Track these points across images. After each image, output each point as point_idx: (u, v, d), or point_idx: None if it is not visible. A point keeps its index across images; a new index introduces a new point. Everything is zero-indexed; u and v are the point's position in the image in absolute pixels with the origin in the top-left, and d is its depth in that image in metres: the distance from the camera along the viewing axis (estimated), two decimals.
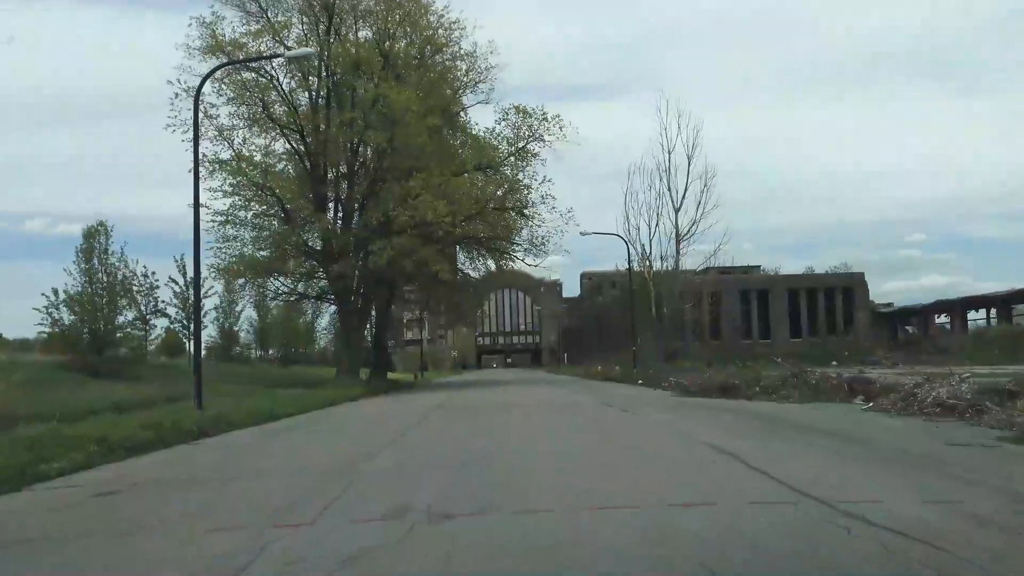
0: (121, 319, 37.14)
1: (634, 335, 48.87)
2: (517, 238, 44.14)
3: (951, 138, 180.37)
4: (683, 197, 54.76)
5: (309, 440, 15.54)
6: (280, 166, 41.51)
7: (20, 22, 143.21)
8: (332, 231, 38.24)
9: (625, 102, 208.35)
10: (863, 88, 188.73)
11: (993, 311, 69.38)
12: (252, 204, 39.51)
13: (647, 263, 55.37)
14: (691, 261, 58.80)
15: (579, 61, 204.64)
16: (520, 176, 42.06)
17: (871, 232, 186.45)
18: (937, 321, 77.44)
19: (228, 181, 37.22)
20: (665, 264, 55.25)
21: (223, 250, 39.49)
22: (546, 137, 40.77)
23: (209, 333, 58.45)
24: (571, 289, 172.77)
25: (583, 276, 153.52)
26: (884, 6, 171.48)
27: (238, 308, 58.49)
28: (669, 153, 55.30)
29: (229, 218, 38.57)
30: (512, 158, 41.41)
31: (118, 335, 36.15)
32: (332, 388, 35.82)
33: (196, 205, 19.53)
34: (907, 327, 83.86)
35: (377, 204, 37.55)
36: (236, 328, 60.68)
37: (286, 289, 44.58)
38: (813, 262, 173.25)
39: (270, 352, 71.34)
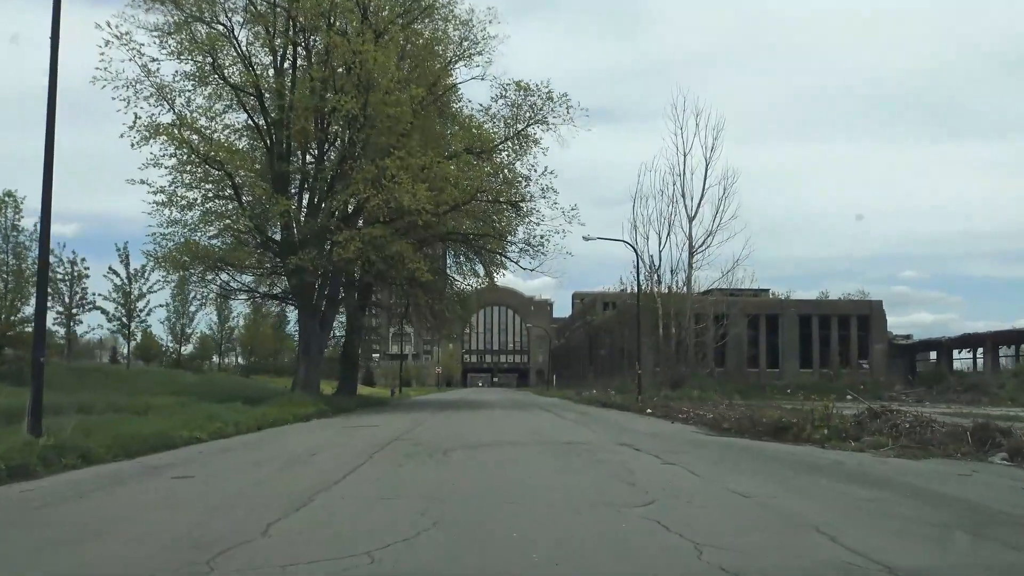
0: (30, 309, 30.80)
1: (639, 357, 42.71)
2: (511, 237, 38.00)
3: (942, 177, 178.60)
4: (699, 205, 49.10)
5: (157, 497, 9.36)
6: (241, 144, 35.39)
7: None
8: (294, 216, 32.02)
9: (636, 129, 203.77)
10: (859, 125, 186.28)
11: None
12: (201, 183, 33.38)
13: (655, 277, 49.41)
14: (704, 277, 53.11)
15: (594, 86, 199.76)
16: (518, 165, 35.98)
17: (866, 267, 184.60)
18: (956, 356, 71.53)
19: (169, 151, 31.15)
20: (675, 279, 49.32)
21: (168, 237, 33.37)
22: (550, 120, 34.73)
23: (158, 335, 52.22)
24: (562, 309, 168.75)
25: (575, 296, 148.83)
26: (884, 48, 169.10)
27: (192, 309, 52.09)
28: (685, 155, 49.76)
29: (171, 198, 32.43)
30: (509, 143, 35.24)
31: (16, 329, 29.71)
32: (280, 405, 29.63)
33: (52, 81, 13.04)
34: (920, 362, 78.02)
35: (346, 186, 31.41)
36: (189, 331, 54.22)
37: (239, 286, 38.30)
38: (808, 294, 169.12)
39: (231, 359, 64.96)
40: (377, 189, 30.43)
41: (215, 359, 64.43)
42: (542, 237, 36.53)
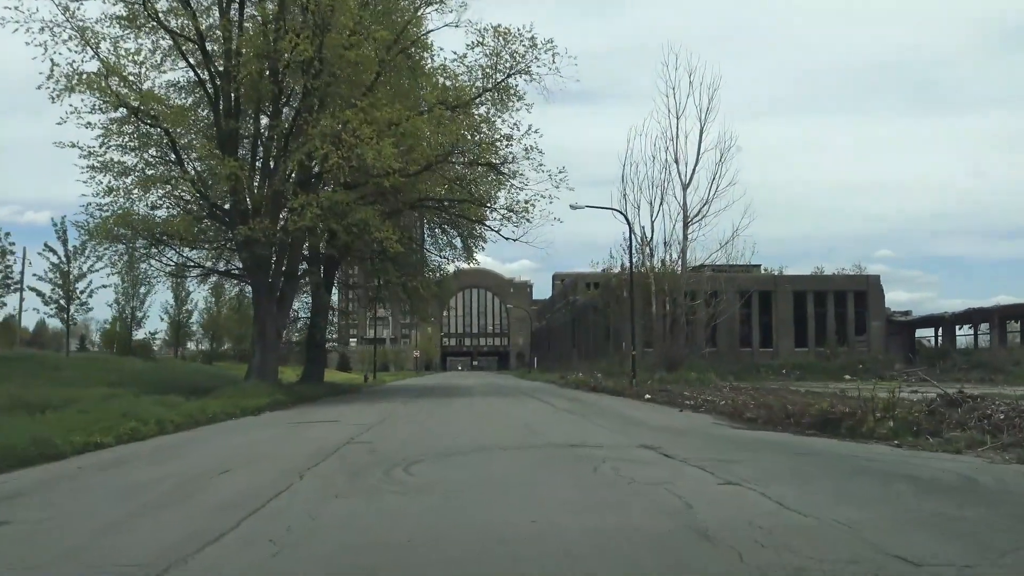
0: None
1: (633, 337, 38.86)
2: (492, 203, 33.89)
3: (923, 156, 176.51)
4: (693, 171, 45.14)
5: None
6: (187, 103, 31.18)
7: None
8: (245, 181, 27.83)
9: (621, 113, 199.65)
10: (835, 101, 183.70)
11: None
12: (141, 146, 29.21)
13: (647, 250, 45.52)
14: (700, 249, 49.31)
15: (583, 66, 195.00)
16: (498, 123, 31.89)
17: (844, 245, 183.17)
18: (959, 333, 68.18)
19: (94, 105, 26.96)
20: (669, 251, 45.45)
21: (104, 208, 29.22)
22: (534, 69, 30.63)
23: (103, 318, 47.79)
24: (542, 292, 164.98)
25: (555, 278, 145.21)
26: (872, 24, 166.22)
27: (143, 290, 47.68)
28: (677, 117, 45.66)
29: (106, 163, 28.29)
30: (488, 95, 31.12)
31: None
32: (229, 396, 25.69)
33: None
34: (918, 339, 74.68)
35: (302, 144, 27.29)
36: (140, 314, 49.75)
37: (185, 261, 33.99)
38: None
39: (193, 346, 60.57)
40: (337, 146, 26.32)
41: (178, 345, 59.91)
42: (526, 202, 32.56)
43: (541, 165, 31.91)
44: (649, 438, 13.76)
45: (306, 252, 37.29)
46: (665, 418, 19.58)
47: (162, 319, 56.24)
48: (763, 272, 74.16)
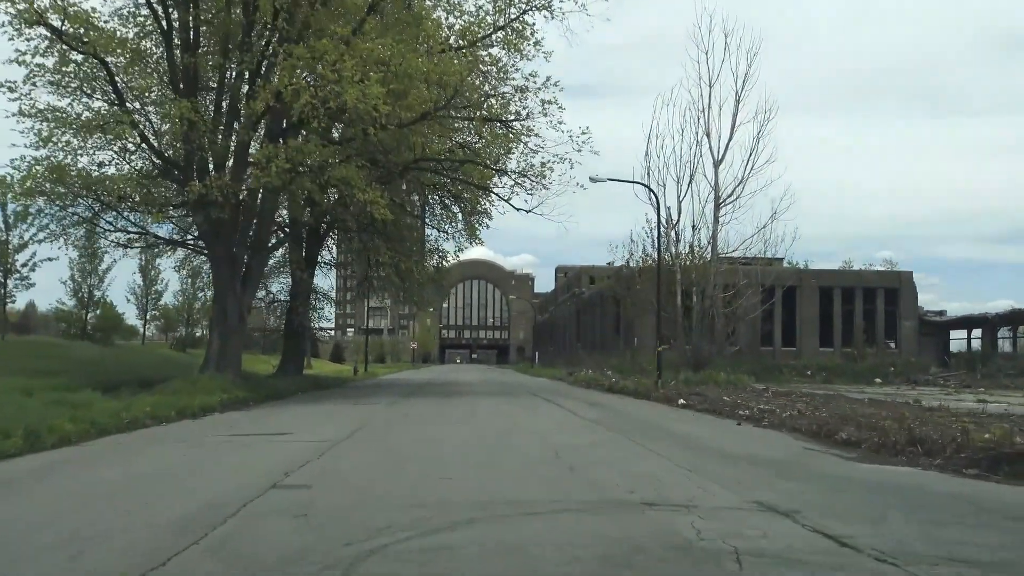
0: None
1: (659, 331, 33.62)
2: (501, 164, 28.54)
3: (925, 159, 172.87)
4: (727, 146, 39.81)
5: None
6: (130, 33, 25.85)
7: None
8: (200, 126, 22.49)
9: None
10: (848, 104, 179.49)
11: None
12: (80, 85, 23.95)
13: (673, 234, 40.26)
14: (734, 233, 44.18)
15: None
16: (512, 70, 26.57)
17: (841, 248, 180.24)
18: (1002, 335, 62.98)
19: (11, 32, 21.77)
20: (697, 236, 40.21)
21: (39, 162, 23.94)
22: (555, 4, 25.36)
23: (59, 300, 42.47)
24: (544, 285, 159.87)
25: (558, 271, 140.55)
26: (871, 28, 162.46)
27: (103, 267, 42.21)
28: (710, 86, 40.30)
29: (38, 109, 23.14)
30: (501, 34, 25.76)
31: None
32: (174, 391, 20.65)
33: None
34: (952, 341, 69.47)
35: (270, 79, 22.05)
36: (100, 294, 44.26)
37: (128, 225, 28.54)
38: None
39: (157, 329, 55.07)
40: (312, 83, 21.09)
41: (145, 330, 54.51)
42: (543, 165, 27.28)
43: (561, 123, 26.66)
44: (750, 481, 8.77)
45: (284, 221, 32.16)
46: (731, 438, 14.44)
47: (128, 300, 50.86)
48: (787, 266, 68.84)
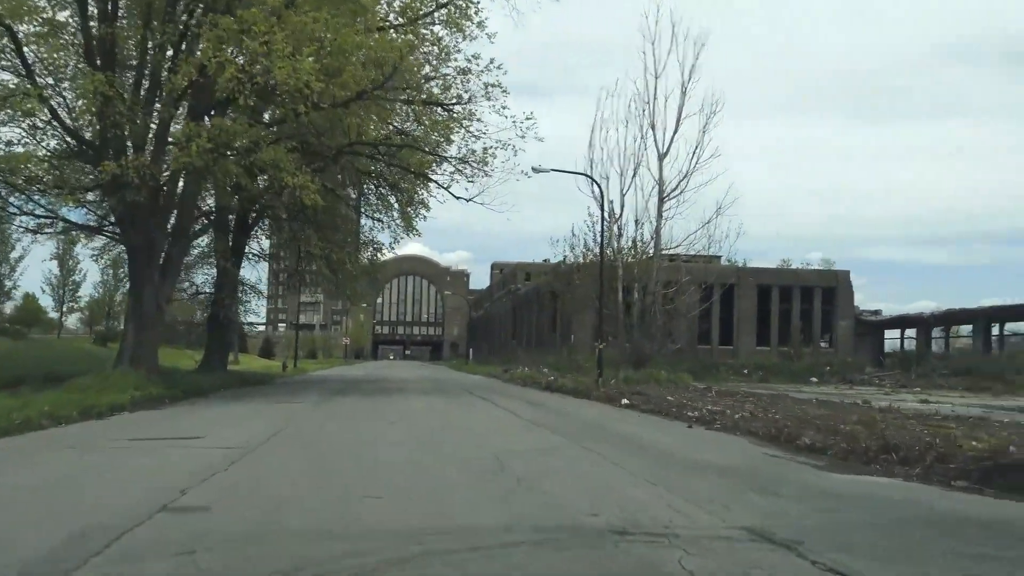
0: None
1: (601, 328, 32.60)
2: (442, 151, 27.13)
3: (858, 162, 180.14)
4: (672, 139, 38.95)
5: None
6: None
7: None
8: (117, 100, 20.69)
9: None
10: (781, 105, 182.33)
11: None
12: None
13: (615, 228, 39.28)
14: (678, 229, 43.47)
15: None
16: (455, 51, 25.19)
17: (776, 247, 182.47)
18: (935, 335, 63.21)
19: None
20: (640, 231, 39.29)
21: None
22: None
23: None
24: (479, 282, 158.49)
25: (494, 267, 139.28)
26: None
27: (14, 254, 39.82)
28: (656, 77, 39.42)
29: None
30: (444, 12, 24.28)
31: None
32: (82, 387, 19.09)
33: None
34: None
35: (192, 53, 20.42)
36: (12, 284, 41.83)
37: (31, 210, 26.45)
38: None
39: (80, 323, 52.56)
40: (246, 58, 19.53)
41: (61, 322, 51.92)
42: (485, 151, 26.01)
43: (505, 108, 25.42)
44: (725, 497, 7.70)
45: (210, 209, 30.41)
46: (686, 442, 13.41)
47: (43, 291, 48.21)
48: (726, 264, 68.44)
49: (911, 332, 66.09)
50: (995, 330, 57.16)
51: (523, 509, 7.07)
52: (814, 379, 52.37)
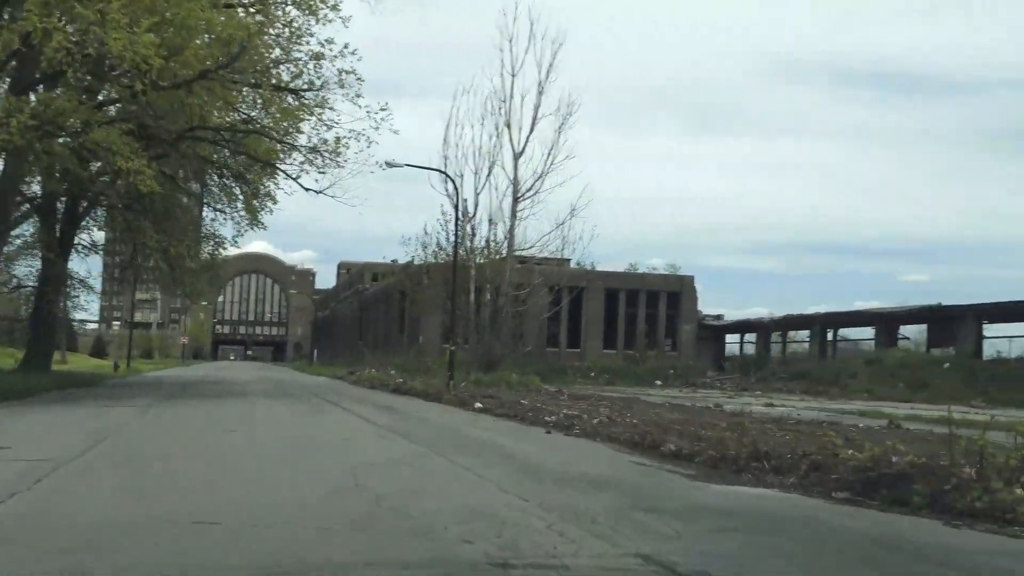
0: None
1: (454, 328, 31.77)
2: (291, 139, 25.73)
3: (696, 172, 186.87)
4: (527, 139, 38.54)
5: None
6: None
7: None
8: None
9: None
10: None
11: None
12: None
13: (469, 228, 38.55)
14: (532, 229, 43.03)
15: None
16: (307, 34, 23.86)
17: (618, 252, 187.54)
18: (773, 340, 65.02)
19: None
20: (494, 230, 38.71)
21: None
22: None
23: None
24: (325, 282, 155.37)
25: (340, 267, 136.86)
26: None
27: None
28: (512, 76, 38.94)
29: None
30: None
31: None
32: None
33: None
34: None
35: (16, 18, 18.55)
36: None
37: None
38: None
39: None
40: (78, 28, 17.79)
41: None
42: (338, 141, 24.77)
43: (359, 96, 24.28)
44: (606, 515, 7.06)
45: (35, 195, 28.08)
46: (549, 451, 12.71)
47: None
48: (575, 267, 68.80)
49: (750, 337, 67.92)
50: (829, 335, 59.30)
51: (386, 537, 6.13)
52: (659, 382, 53.05)
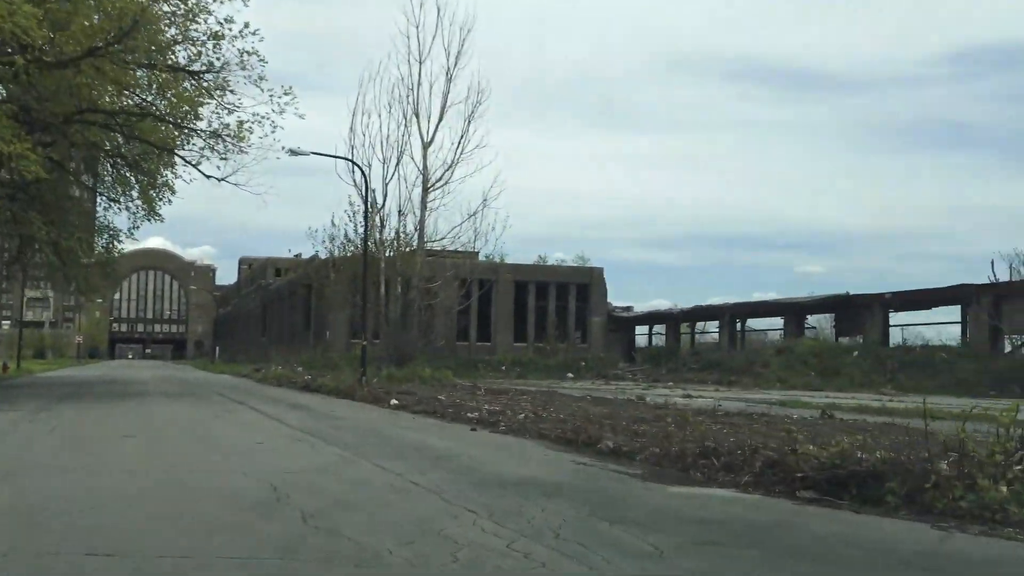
0: None
1: (364, 322, 30.64)
2: (191, 123, 24.19)
3: (591, 166, 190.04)
4: (436, 128, 37.53)
5: None
6: None
7: None
8: None
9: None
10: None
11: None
12: None
13: (377, 220, 37.36)
14: (444, 221, 42.15)
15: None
16: (204, 12, 22.39)
17: (522, 247, 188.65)
18: (682, 331, 65.24)
19: None
20: (403, 222, 37.63)
21: None
22: None
23: None
24: (227, 278, 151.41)
25: (242, 262, 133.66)
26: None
27: None
28: (420, 63, 37.87)
29: None
30: None
31: None
32: None
33: None
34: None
35: None
36: None
37: None
38: None
39: None
40: None
41: None
42: (241, 125, 23.39)
43: (262, 79, 22.95)
44: (570, 529, 6.18)
45: None
46: (483, 451, 11.89)
47: None
48: (484, 260, 67.90)
49: (659, 328, 68.09)
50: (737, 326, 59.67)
51: (322, 567, 5.13)
52: (570, 375, 52.71)
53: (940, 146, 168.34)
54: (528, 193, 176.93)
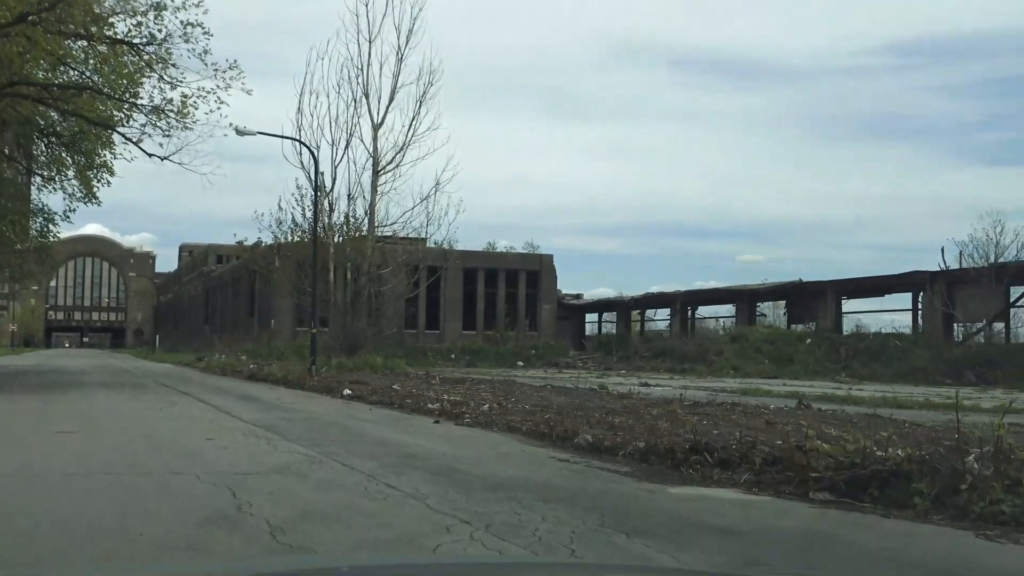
0: None
1: (314, 311, 29.57)
2: (131, 97, 22.87)
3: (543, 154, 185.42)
4: (387, 109, 36.42)
5: None
6: None
7: None
8: None
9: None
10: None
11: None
12: None
13: (326, 203, 36.18)
14: (395, 208, 41.10)
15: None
16: None
17: (471, 235, 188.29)
18: (633, 319, 64.95)
19: None
20: (353, 206, 36.56)
21: None
22: None
23: None
24: (167, 265, 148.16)
25: (182, 249, 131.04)
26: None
27: None
28: (370, 42, 36.68)
29: None
30: None
31: None
32: None
33: None
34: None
35: None
36: None
37: None
38: None
39: None
40: None
41: None
42: (185, 99, 22.16)
43: (206, 52, 21.73)
44: (588, 544, 5.43)
45: None
46: (458, 447, 11.06)
47: None
48: (432, 246, 66.82)
49: (609, 316, 67.75)
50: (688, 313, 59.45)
51: None
52: (521, 363, 52.09)
53: (880, 136, 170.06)
54: (476, 180, 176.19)
